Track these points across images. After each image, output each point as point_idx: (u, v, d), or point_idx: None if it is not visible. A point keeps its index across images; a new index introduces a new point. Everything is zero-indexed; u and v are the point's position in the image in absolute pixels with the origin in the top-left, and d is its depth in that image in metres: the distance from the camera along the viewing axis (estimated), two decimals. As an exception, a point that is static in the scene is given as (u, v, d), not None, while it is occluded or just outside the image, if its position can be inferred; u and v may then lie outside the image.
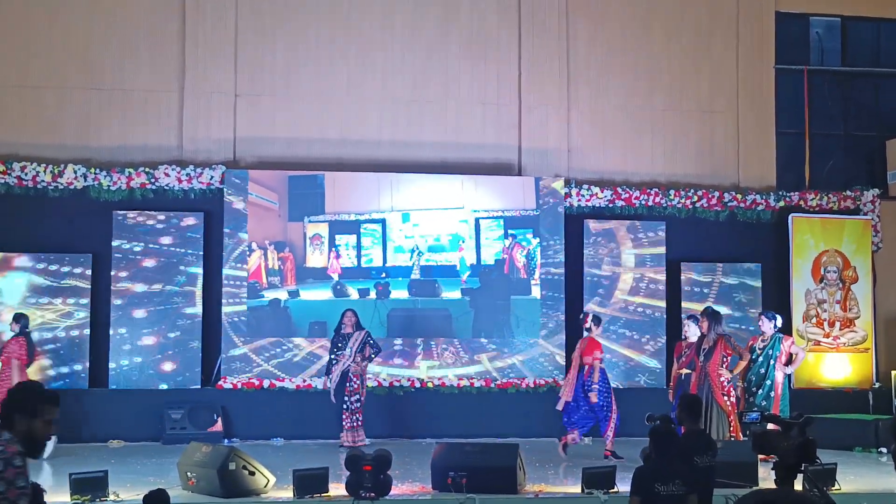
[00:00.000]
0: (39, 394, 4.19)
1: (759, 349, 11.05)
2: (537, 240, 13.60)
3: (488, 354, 13.35)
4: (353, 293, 13.28)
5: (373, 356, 11.90)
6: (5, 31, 13.34)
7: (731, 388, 10.60)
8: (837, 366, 14.05)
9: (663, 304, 13.72)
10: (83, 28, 13.47)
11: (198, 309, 12.89)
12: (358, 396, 11.60)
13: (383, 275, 13.40)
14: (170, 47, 13.58)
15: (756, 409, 10.39)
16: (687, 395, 8.30)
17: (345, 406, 11.57)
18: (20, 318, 11.51)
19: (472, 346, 13.37)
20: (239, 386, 12.75)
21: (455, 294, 13.47)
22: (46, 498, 5.32)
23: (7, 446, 3.98)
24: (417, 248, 13.48)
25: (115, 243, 12.78)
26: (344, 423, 11.57)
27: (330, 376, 11.67)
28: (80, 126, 13.36)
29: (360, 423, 11.60)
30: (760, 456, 8.69)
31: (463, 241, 13.52)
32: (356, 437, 11.52)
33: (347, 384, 11.57)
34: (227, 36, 13.64)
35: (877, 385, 14.07)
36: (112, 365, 12.61)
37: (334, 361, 11.67)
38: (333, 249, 13.30)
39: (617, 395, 13.52)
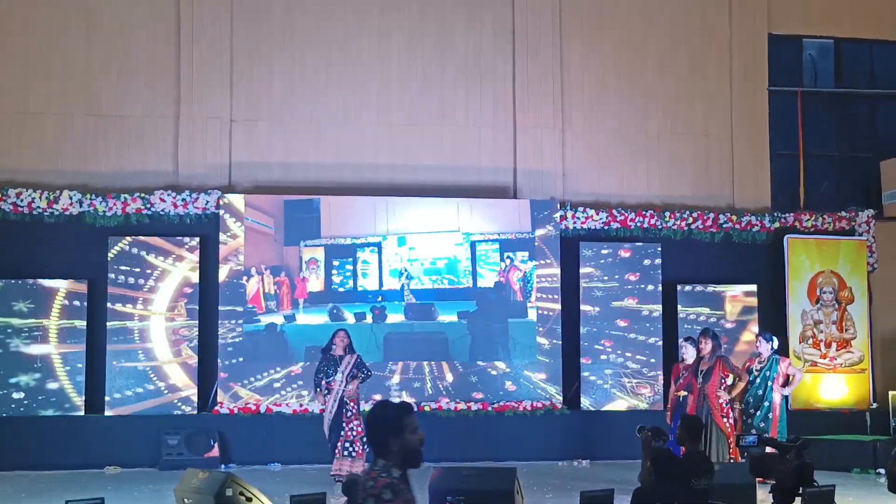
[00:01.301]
0: (394, 409, 4.08)
1: (757, 371, 11.05)
2: (533, 262, 13.61)
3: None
4: (350, 317, 13.26)
5: (363, 379, 10.86)
6: (5, 59, 13.38)
7: (730, 410, 10.58)
8: (834, 387, 14.03)
9: (659, 326, 13.73)
10: (82, 55, 13.50)
11: (194, 334, 12.87)
12: (358, 422, 10.58)
13: (379, 298, 13.39)
14: (166, 73, 13.62)
15: (753, 431, 10.37)
16: (688, 417, 8.27)
17: (342, 434, 10.54)
18: None
19: (470, 368, 13.36)
20: (235, 411, 12.70)
21: (452, 317, 13.46)
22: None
23: (378, 479, 3.92)
24: (406, 272, 13.46)
25: (110, 268, 12.77)
26: (336, 451, 10.52)
27: (321, 390, 10.65)
28: (77, 152, 13.37)
29: (358, 452, 10.50)
30: (758, 479, 8.67)
31: (511, 259, 13.54)
32: (353, 466, 10.42)
33: (343, 410, 10.59)
34: (223, 61, 13.69)
35: (874, 406, 14.06)
36: (108, 390, 12.57)
37: (326, 392, 10.65)
38: (299, 275, 13.27)
39: (615, 417, 13.52)
